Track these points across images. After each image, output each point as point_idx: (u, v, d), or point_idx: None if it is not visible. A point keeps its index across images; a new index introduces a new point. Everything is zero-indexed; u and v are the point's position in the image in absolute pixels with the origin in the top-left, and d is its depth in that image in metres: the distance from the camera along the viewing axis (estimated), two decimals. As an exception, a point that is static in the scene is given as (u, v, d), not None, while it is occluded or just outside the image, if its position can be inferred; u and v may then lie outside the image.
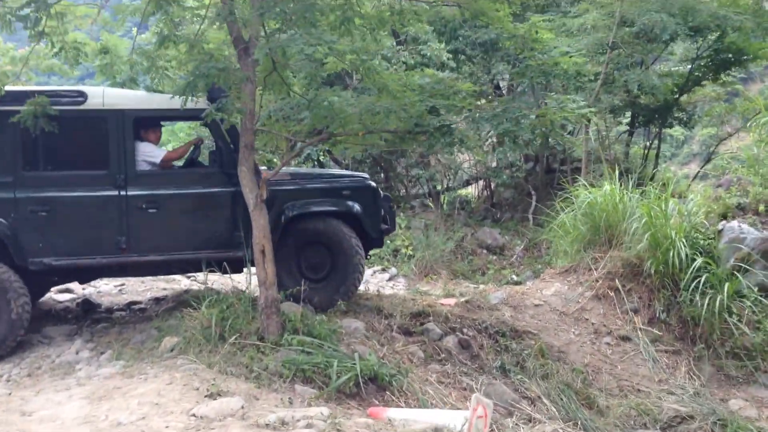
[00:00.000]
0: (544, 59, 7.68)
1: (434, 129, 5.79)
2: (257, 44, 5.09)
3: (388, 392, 5.11)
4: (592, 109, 7.40)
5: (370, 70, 5.99)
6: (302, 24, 4.91)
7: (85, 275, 6.48)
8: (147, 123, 6.20)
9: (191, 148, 6.60)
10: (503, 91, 14.15)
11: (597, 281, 7.31)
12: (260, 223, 5.30)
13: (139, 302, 7.14)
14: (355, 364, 5.03)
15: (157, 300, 7.08)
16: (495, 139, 12.18)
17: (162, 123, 6.71)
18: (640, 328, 6.82)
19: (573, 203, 8.18)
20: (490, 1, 6.11)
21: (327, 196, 6.36)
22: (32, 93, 5.68)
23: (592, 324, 6.96)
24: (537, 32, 7.26)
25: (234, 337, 5.20)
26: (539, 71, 7.78)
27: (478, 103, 11.30)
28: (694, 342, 6.62)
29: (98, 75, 5.93)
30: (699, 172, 14.26)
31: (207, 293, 5.66)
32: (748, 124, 10.65)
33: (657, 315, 6.87)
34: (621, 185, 7.76)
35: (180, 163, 6.59)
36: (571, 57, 8.45)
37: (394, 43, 12.98)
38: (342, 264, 6.30)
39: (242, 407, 3.86)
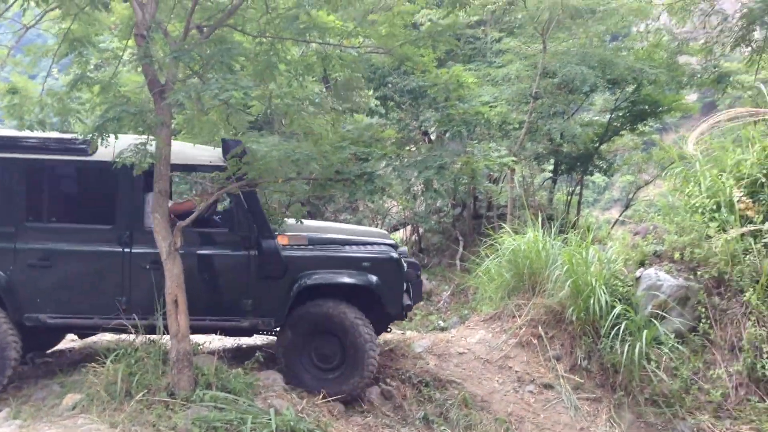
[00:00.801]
0: (466, 108, 7.78)
1: (355, 176, 5.75)
2: (172, 88, 4.96)
3: (306, 449, 4.92)
4: (514, 158, 7.52)
5: (296, 115, 5.94)
6: (219, 68, 4.81)
7: (84, 331, 6.14)
8: None
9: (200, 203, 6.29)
10: (431, 138, 14.32)
11: (520, 328, 7.31)
12: (174, 273, 5.09)
13: (43, 354, 6.73)
14: (270, 419, 4.84)
15: (62, 352, 6.69)
16: (421, 185, 12.25)
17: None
18: (563, 376, 6.83)
19: (498, 250, 8.22)
20: (415, 47, 6.16)
21: (345, 267, 5.99)
22: (35, 140, 5.53)
23: (516, 372, 6.93)
24: (459, 81, 7.35)
25: (142, 393, 4.94)
26: (461, 120, 7.87)
27: (406, 149, 11.42)
28: (615, 389, 6.65)
29: (6, 115, 5.62)
30: (618, 218, 14.66)
31: (115, 346, 5.36)
32: (663, 173, 11.02)
33: (579, 362, 6.89)
34: (544, 232, 7.85)
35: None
36: (492, 107, 8.61)
37: (323, 89, 13.02)
38: (352, 353, 5.89)
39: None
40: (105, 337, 6.76)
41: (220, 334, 6.25)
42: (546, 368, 6.95)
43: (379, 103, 13.01)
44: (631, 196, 16.59)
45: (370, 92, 12.89)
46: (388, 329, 6.76)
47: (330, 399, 5.74)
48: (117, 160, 5.05)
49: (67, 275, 5.65)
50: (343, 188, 6.05)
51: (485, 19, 14.18)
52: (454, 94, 7.35)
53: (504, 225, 9.13)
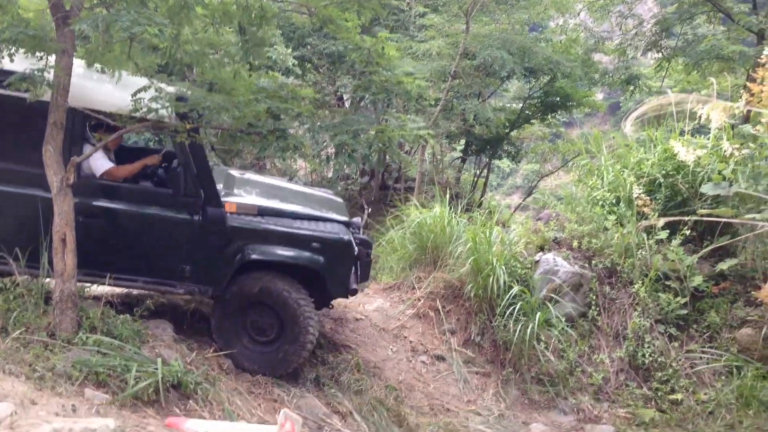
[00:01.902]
0: (388, 76, 7.69)
1: (268, 132, 5.52)
2: (78, 15, 4.59)
3: (192, 401, 4.73)
4: (430, 132, 7.51)
5: (208, 63, 5.64)
6: (131, 1, 4.49)
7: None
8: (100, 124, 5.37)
9: (143, 167, 5.77)
10: (346, 104, 14.17)
11: (419, 300, 7.36)
12: (63, 209, 4.73)
13: None
14: (157, 369, 4.63)
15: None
16: (332, 150, 12.12)
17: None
18: (456, 349, 6.93)
19: (404, 222, 8.23)
20: (340, 11, 5.98)
21: (293, 244, 5.65)
22: None
23: (410, 342, 6.98)
24: (383, 48, 7.25)
25: (19, 331, 4.59)
26: (382, 87, 7.77)
27: (320, 112, 11.23)
28: (504, 366, 6.81)
29: None
30: (521, 204, 15.06)
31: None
32: (569, 164, 11.39)
33: (472, 337, 7.01)
34: (451, 208, 7.90)
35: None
36: (414, 78, 8.56)
37: (240, 41, 12.62)
38: (290, 329, 5.64)
39: (13, 413, 3.34)
40: None
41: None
42: (440, 341, 7.03)
43: (296, 63, 12.75)
44: (534, 183, 17.11)
45: (289, 50, 12.61)
46: (330, 306, 6.51)
47: (221, 353, 5.57)
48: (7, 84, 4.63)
49: None
50: (253, 143, 5.79)
51: (412, -9, 14.13)
52: (378, 60, 7.21)
53: (411, 198, 9.13)
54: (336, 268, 5.73)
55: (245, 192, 6.15)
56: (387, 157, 12.01)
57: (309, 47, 12.48)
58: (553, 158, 16.62)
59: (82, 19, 4.48)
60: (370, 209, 12.71)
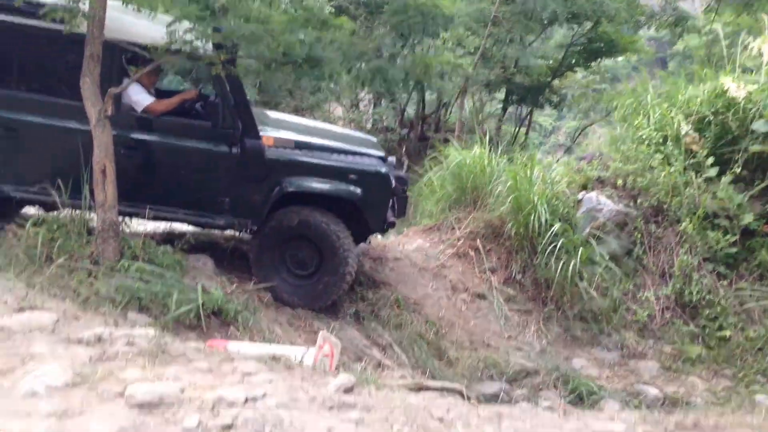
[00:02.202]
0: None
1: (302, 60, 5.43)
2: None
3: (232, 327, 4.80)
4: (468, 61, 7.31)
5: (242, 2, 5.55)
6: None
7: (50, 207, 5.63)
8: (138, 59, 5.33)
9: (182, 102, 5.77)
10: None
11: (459, 240, 7.28)
12: (103, 141, 4.76)
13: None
14: (197, 297, 4.67)
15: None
16: (371, 96, 12.02)
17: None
18: (496, 287, 6.85)
19: (442, 165, 8.12)
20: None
21: (330, 177, 5.63)
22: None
23: (450, 281, 6.91)
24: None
25: (63, 258, 4.66)
26: (417, 11, 7.53)
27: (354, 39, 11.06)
28: (545, 303, 6.71)
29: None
30: (563, 155, 14.77)
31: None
32: (611, 109, 11.07)
33: (513, 276, 6.92)
34: (491, 149, 7.77)
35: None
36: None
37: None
38: (329, 262, 5.66)
39: (56, 322, 3.39)
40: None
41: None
42: (480, 279, 6.96)
43: (333, 11, 12.61)
44: (576, 136, 16.77)
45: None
46: (368, 241, 6.51)
47: (259, 287, 5.60)
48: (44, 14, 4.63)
49: (33, 149, 5.28)
50: (288, 72, 5.72)
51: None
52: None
53: (452, 140, 9.00)
54: (373, 200, 5.70)
55: (283, 128, 6.13)
56: (424, 107, 11.82)
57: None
58: (597, 111, 16.21)
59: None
60: (407, 162, 12.61)
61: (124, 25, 5.27)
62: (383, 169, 5.77)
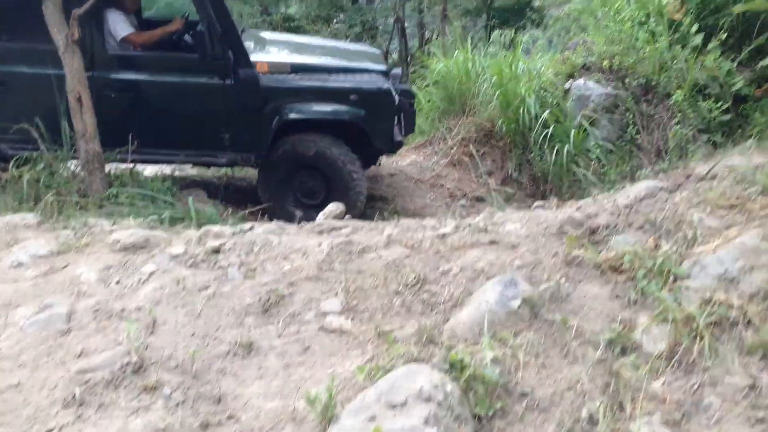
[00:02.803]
0: None
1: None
2: None
3: (228, 243, 4.75)
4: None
5: None
6: None
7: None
8: None
9: (167, 34, 5.64)
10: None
11: (452, 149, 7.22)
12: (74, 68, 4.70)
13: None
14: (191, 215, 4.63)
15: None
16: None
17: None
18: (494, 189, 6.80)
19: (427, 78, 8.02)
20: None
21: (330, 99, 5.48)
22: None
23: (448, 189, 6.87)
24: None
25: (51, 194, 4.63)
26: None
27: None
28: (545, 196, 6.65)
29: None
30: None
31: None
32: None
33: (510, 174, 6.88)
34: (473, 53, 7.64)
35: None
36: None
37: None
38: (338, 189, 5.55)
39: (39, 222, 3.37)
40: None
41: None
42: (478, 184, 6.91)
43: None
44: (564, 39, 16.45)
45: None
46: (378, 163, 6.40)
47: (255, 209, 5.55)
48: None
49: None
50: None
51: None
52: None
53: (435, 51, 8.86)
54: (377, 120, 5.55)
55: (276, 50, 5.98)
56: (406, 44, 11.63)
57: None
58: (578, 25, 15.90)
59: None
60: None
61: None
62: (385, 86, 5.58)
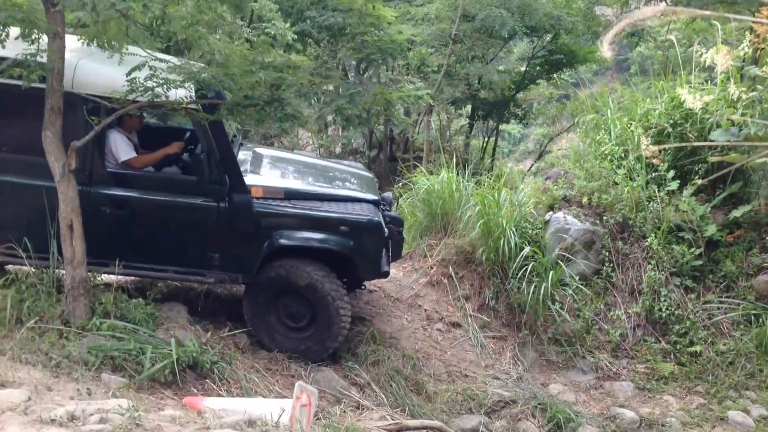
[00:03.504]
0: (381, 35, 7.54)
1: (265, 102, 5.44)
2: (66, -5, 4.53)
3: (208, 380, 4.77)
4: (428, 91, 7.41)
5: (201, 40, 5.55)
6: (120, -23, 4.41)
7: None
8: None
9: (167, 155, 5.70)
10: (349, 77, 14.04)
11: (431, 268, 7.32)
12: (68, 196, 4.73)
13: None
14: (172, 350, 4.65)
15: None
16: (339, 122, 12.04)
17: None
18: (471, 315, 6.90)
19: (412, 189, 8.18)
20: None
21: (321, 228, 5.50)
22: None
23: (425, 310, 6.96)
24: (374, 6, 7.10)
25: (33, 320, 4.62)
26: (376, 47, 7.61)
27: (322, 84, 11.14)
28: (520, 328, 6.78)
29: None
30: (532, 166, 14.92)
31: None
32: (576, 121, 11.26)
33: (487, 302, 6.97)
34: (458, 174, 7.83)
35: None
36: (408, 35, 8.38)
37: (238, 18, 12.50)
38: (323, 316, 5.57)
39: (28, 399, 3.36)
40: None
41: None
42: (455, 307, 7.01)
43: (296, 38, 12.61)
44: (544, 146, 16.93)
45: (287, 25, 12.48)
46: (363, 287, 6.42)
47: (237, 332, 5.58)
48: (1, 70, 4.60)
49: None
50: (251, 115, 5.72)
51: (409, -44, 13.90)
52: (370, 19, 7.05)
53: (420, 166, 9.07)
54: (366, 251, 5.59)
55: (273, 172, 6.06)
56: (391, 129, 11.90)
57: (308, 21, 12.33)
58: (562, 119, 16.43)
59: (69, -1, 4.43)
60: (378, 182, 12.59)
61: (86, 76, 5.20)
62: (376, 218, 5.64)
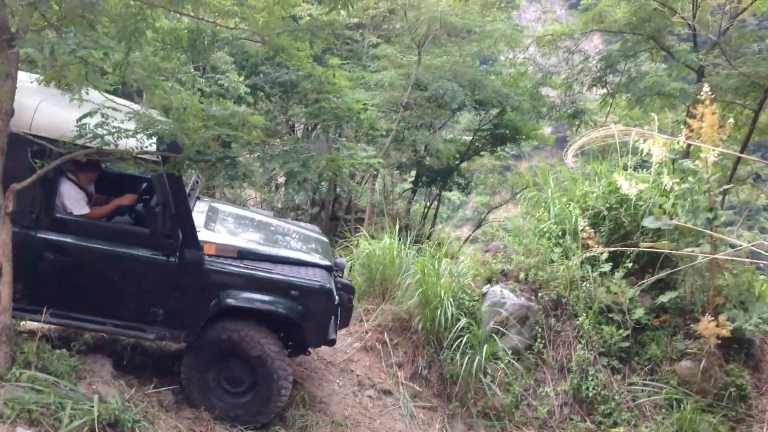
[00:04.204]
0: (338, 103, 7.69)
1: (217, 159, 5.42)
2: (23, 37, 4.49)
3: (129, 440, 4.61)
4: (380, 161, 7.53)
5: (157, 89, 5.55)
6: (79, 23, 4.41)
7: None
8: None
9: (119, 208, 5.61)
10: (298, 134, 14.15)
11: (366, 333, 7.31)
12: (1, 238, 4.60)
13: None
14: (93, 407, 4.49)
15: None
16: (282, 179, 12.06)
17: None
18: (402, 383, 6.88)
19: (353, 253, 8.21)
20: (293, 39, 5.99)
21: (271, 291, 5.41)
22: None
23: (357, 375, 6.91)
24: (334, 75, 7.27)
25: (-53, 368, 4.41)
26: (332, 114, 7.76)
27: (272, 141, 11.19)
28: (450, 400, 6.78)
29: None
30: (470, 236, 15.17)
31: None
32: (516, 196, 11.58)
33: (419, 371, 6.97)
34: (400, 240, 7.91)
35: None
36: (363, 104, 8.57)
37: (192, 69, 12.53)
38: (264, 382, 5.45)
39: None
40: None
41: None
42: (387, 374, 6.98)
43: (248, 91, 12.68)
44: (483, 216, 17.29)
45: (241, 79, 12.56)
46: (308, 353, 6.27)
47: (162, 389, 5.42)
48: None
49: None
50: (201, 170, 5.69)
51: (365, 22, 14.26)
52: (329, 87, 7.19)
53: (361, 228, 9.12)
54: (315, 318, 5.52)
55: (228, 229, 5.96)
56: (337, 187, 11.98)
57: (261, 76, 12.43)
58: (502, 191, 16.89)
59: (27, 41, 4.40)
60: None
61: (46, 118, 5.06)
62: (327, 285, 5.57)
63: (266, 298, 5.41)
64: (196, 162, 5.54)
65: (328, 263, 5.91)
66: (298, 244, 6.20)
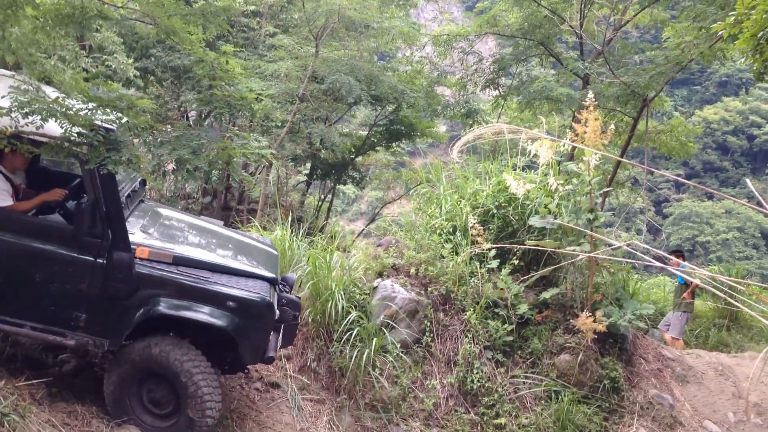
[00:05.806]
0: (231, 91, 7.50)
1: (99, 142, 5.14)
2: None
3: (-3, 436, 4.33)
4: (273, 152, 7.41)
5: (36, 64, 5.23)
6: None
7: None
8: None
9: (45, 203, 5.13)
10: (190, 121, 13.76)
11: (255, 325, 7.19)
12: None
13: None
14: (-44, 401, 4.19)
15: None
16: (172, 166, 11.69)
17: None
18: (291, 376, 6.81)
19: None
20: (184, 23, 5.78)
21: (206, 301, 4.99)
22: None
23: (245, 369, 6.78)
24: (227, 62, 7.07)
25: None
26: (224, 102, 7.55)
27: (162, 127, 10.81)
28: (339, 392, 6.78)
29: None
30: (363, 229, 15.24)
31: None
32: (410, 192, 11.74)
33: (308, 363, 6.92)
34: (292, 232, 7.83)
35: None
36: (256, 94, 8.41)
37: (76, 48, 11.91)
38: (189, 405, 5.01)
39: None
40: None
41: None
42: (275, 367, 6.89)
43: (138, 74, 12.19)
44: (377, 210, 17.43)
45: (130, 61, 12.06)
46: (246, 371, 5.90)
47: (35, 382, 5.11)
48: None
49: None
50: (82, 153, 5.38)
51: (262, 11, 14.05)
52: (221, 74, 6.98)
53: (253, 220, 8.97)
54: (253, 332, 5.15)
55: (166, 233, 5.58)
56: (229, 177, 11.73)
57: (153, 59, 12.01)
58: (396, 186, 17.07)
59: None
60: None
61: None
62: (267, 298, 5.22)
63: (200, 308, 5.04)
64: (77, 145, 5.27)
65: (272, 275, 5.55)
66: (243, 254, 5.82)
